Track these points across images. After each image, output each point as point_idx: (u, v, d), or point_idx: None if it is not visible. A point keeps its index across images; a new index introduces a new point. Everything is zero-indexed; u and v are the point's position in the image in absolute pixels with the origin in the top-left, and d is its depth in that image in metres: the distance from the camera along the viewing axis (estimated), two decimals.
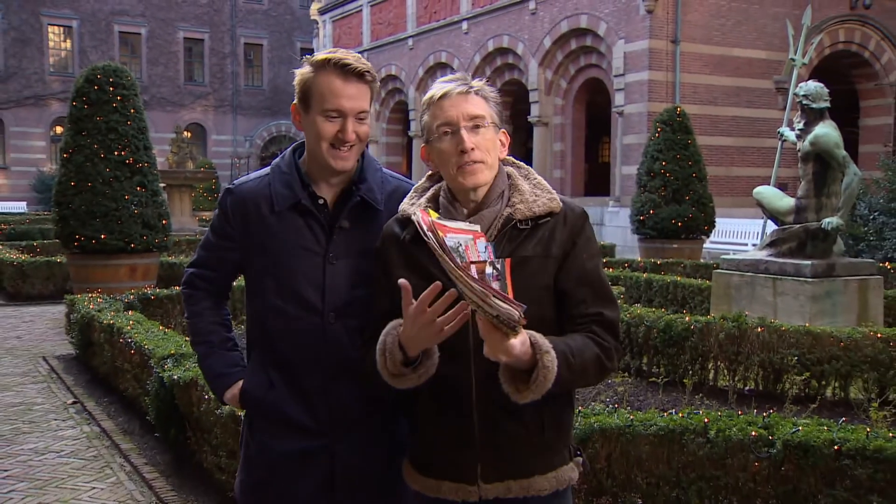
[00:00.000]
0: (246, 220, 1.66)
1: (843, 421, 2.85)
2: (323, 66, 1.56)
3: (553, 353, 1.34)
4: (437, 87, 1.50)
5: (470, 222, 1.47)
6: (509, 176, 1.56)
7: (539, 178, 1.56)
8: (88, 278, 7.45)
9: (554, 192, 1.53)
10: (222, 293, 1.81)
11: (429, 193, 1.57)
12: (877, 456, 2.47)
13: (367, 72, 1.58)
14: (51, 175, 25.00)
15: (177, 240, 11.40)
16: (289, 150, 1.72)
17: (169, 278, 8.77)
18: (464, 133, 1.46)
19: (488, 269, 1.28)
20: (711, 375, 5.00)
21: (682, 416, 2.78)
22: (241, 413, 1.85)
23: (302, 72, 1.60)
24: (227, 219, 1.68)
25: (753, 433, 2.63)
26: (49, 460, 3.99)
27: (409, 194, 1.61)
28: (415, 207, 1.54)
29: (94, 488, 3.61)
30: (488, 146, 1.49)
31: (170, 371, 3.77)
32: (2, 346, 7.05)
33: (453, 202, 1.52)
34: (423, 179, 1.63)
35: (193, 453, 3.70)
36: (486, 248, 1.32)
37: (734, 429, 2.67)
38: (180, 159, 15.39)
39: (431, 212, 1.37)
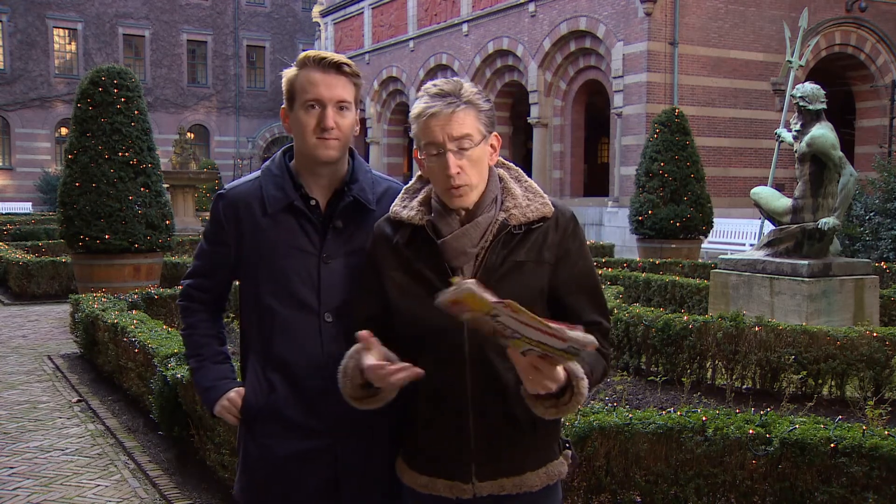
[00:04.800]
0: (239, 224, 1.66)
1: (840, 419, 2.89)
2: (304, 63, 1.60)
3: (587, 380, 1.37)
4: (424, 104, 1.45)
5: (465, 230, 1.46)
6: (501, 179, 1.54)
7: (529, 180, 1.55)
8: (93, 278, 7.48)
9: (545, 195, 1.53)
10: (219, 303, 1.80)
11: (420, 196, 1.56)
12: (872, 453, 2.50)
13: (345, 63, 1.59)
14: (56, 176, 25.08)
15: (180, 240, 11.43)
16: (279, 153, 1.72)
17: (172, 278, 8.80)
18: (450, 157, 1.43)
19: (528, 346, 1.26)
20: (709, 374, 5.03)
21: (681, 415, 2.80)
22: None
23: (287, 73, 1.64)
24: (220, 223, 1.68)
25: (751, 431, 2.66)
26: (54, 458, 4.02)
27: (401, 195, 1.60)
28: (407, 211, 1.54)
29: (98, 485, 3.64)
30: (475, 165, 1.46)
31: (173, 370, 3.79)
32: (7, 344, 7.07)
33: (446, 208, 1.50)
34: (414, 180, 1.61)
35: (197, 451, 3.73)
36: (568, 346, 1.25)
37: (732, 427, 2.70)
38: (184, 160, 15.44)
39: (523, 312, 1.24)
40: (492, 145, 1.51)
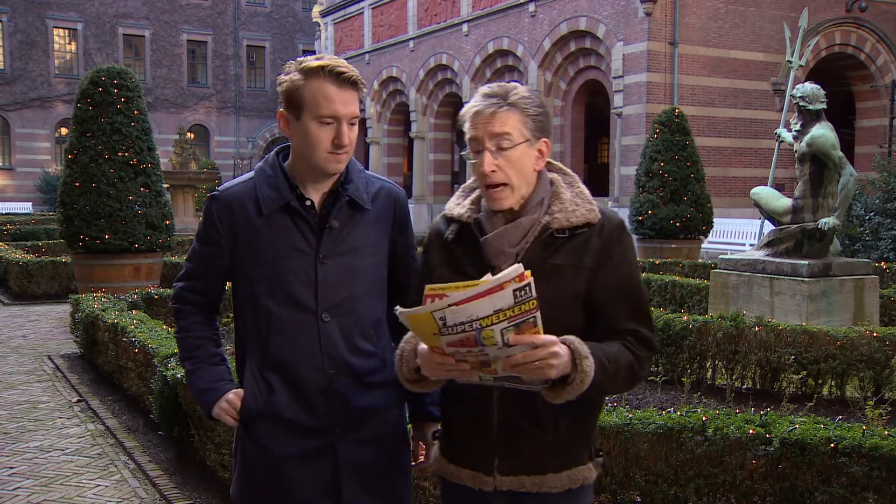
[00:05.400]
0: (233, 225, 1.65)
1: (840, 419, 2.90)
2: (316, 72, 1.57)
3: (591, 358, 1.37)
4: (472, 103, 1.50)
5: (506, 230, 1.48)
6: (553, 183, 1.56)
7: (582, 186, 1.56)
8: (93, 278, 7.49)
9: (594, 202, 1.53)
10: (213, 305, 1.78)
11: (473, 195, 1.60)
12: (872, 453, 2.51)
13: (360, 80, 1.61)
14: (56, 176, 25.11)
15: (180, 240, 11.41)
16: (272, 153, 1.72)
17: (172, 278, 8.79)
18: (486, 155, 1.47)
19: (500, 326, 1.25)
20: (709, 374, 5.04)
21: (681, 415, 2.80)
22: None
23: (291, 79, 1.59)
24: (214, 225, 1.67)
25: (751, 431, 2.67)
26: (54, 458, 4.02)
27: (457, 193, 1.64)
28: (459, 208, 1.59)
29: (98, 485, 3.64)
30: (514, 166, 1.47)
31: (173, 370, 3.79)
32: (7, 344, 7.07)
33: (494, 210, 1.53)
34: (472, 179, 1.63)
35: (197, 451, 3.73)
36: (513, 292, 1.25)
37: (732, 427, 2.70)
38: (183, 160, 15.46)
39: (450, 289, 1.27)
40: (539, 150, 1.52)
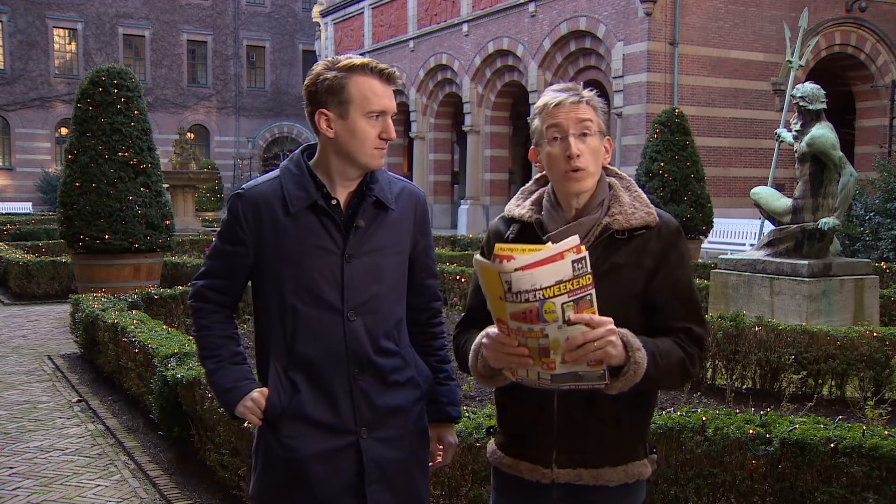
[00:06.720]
0: (259, 223, 1.65)
1: (840, 419, 2.90)
2: (361, 69, 1.61)
3: (644, 350, 1.41)
4: (551, 96, 1.55)
5: (569, 228, 1.52)
6: (611, 186, 1.60)
7: (639, 190, 1.61)
8: (93, 278, 7.49)
9: (652, 206, 1.58)
10: (233, 305, 1.77)
11: (534, 196, 1.64)
12: (872, 454, 2.50)
13: (398, 76, 1.69)
14: (56, 176, 25.15)
15: (180, 240, 11.45)
16: (297, 152, 1.72)
17: (172, 278, 8.83)
18: (572, 140, 1.52)
19: (561, 300, 1.27)
20: (709, 374, 5.03)
21: (681, 415, 2.80)
22: None
23: (334, 76, 1.60)
24: (239, 223, 1.66)
25: (751, 431, 2.66)
26: (54, 458, 4.02)
27: (517, 195, 1.67)
28: (519, 209, 1.62)
29: (98, 485, 3.64)
30: (593, 153, 1.54)
31: (173, 370, 3.80)
32: (7, 344, 7.07)
33: (556, 207, 1.58)
34: (531, 182, 1.68)
35: (197, 451, 3.73)
36: (572, 263, 1.28)
37: (732, 427, 2.70)
38: (184, 160, 15.46)
39: (517, 251, 1.30)
40: (605, 147, 1.58)
